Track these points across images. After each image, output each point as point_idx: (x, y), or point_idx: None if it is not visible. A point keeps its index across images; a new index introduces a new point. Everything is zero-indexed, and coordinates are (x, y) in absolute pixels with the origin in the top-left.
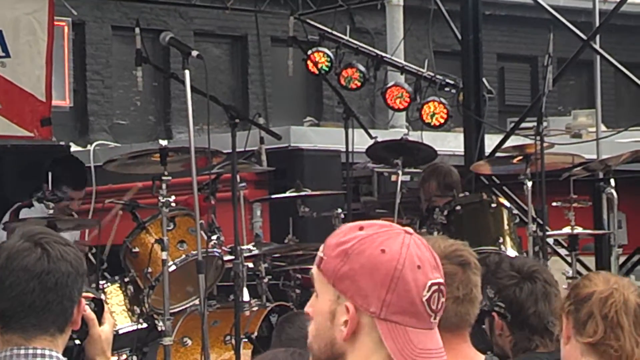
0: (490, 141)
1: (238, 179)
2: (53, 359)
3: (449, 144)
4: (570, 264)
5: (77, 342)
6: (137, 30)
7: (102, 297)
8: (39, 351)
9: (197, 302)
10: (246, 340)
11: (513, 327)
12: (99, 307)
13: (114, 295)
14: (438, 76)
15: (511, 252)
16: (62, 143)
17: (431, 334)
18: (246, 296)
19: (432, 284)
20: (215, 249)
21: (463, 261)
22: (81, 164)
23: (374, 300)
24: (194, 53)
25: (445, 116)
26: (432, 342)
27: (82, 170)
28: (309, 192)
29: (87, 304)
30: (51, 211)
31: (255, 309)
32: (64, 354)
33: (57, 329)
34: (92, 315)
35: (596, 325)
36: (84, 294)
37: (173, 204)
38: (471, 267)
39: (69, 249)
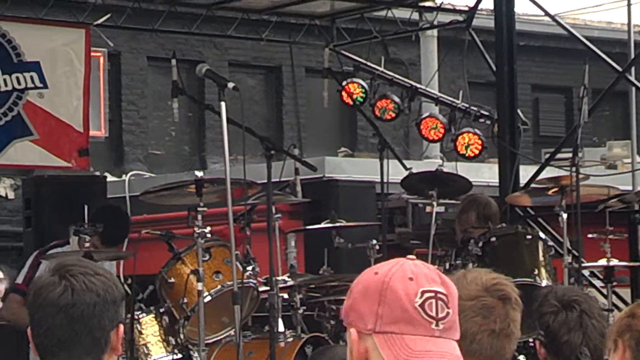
0: (525, 172)
1: (273, 210)
2: None
3: (484, 175)
4: (605, 296)
5: None
6: (174, 61)
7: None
8: None
9: (232, 332)
10: None
11: (550, 355)
12: None
13: (150, 326)
14: (472, 107)
15: (546, 284)
16: (97, 173)
17: (434, 341)
18: (281, 327)
19: (425, 291)
20: (250, 280)
21: (503, 295)
22: (129, 219)
23: (369, 317)
24: (230, 85)
25: (479, 147)
26: (436, 346)
27: (129, 224)
28: (344, 223)
29: None
30: (87, 244)
31: (290, 340)
32: None
33: (94, 357)
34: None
35: None
36: None
37: (208, 235)
38: (511, 303)
39: (97, 279)
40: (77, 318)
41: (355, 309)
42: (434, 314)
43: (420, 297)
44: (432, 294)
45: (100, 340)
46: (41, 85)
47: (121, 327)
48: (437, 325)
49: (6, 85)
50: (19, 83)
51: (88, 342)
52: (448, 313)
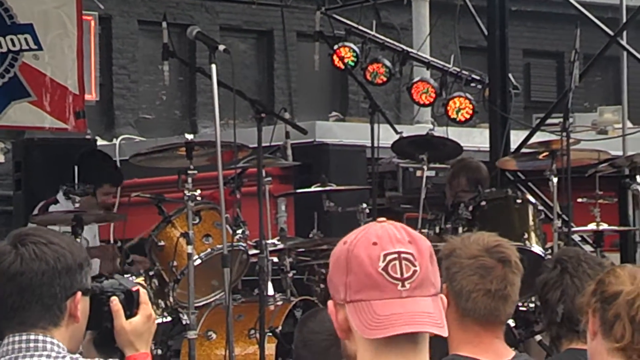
0: (516, 137)
1: (263, 174)
2: (47, 343)
3: (475, 139)
4: None
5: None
6: (164, 24)
7: (141, 288)
8: (32, 336)
9: (221, 295)
10: (270, 334)
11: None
12: (128, 299)
13: None
14: (464, 72)
15: (536, 248)
16: (88, 137)
17: (402, 302)
18: (271, 290)
19: (387, 254)
20: (240, 243)
21: (503, 257)
22: (113, 160)
23: (341, 288)
24: (221, 47)
25: (471, 112)
26: (403, 307)
27: (118, 166)
28: (334, 187)
29: (116, 296)
30: (77, 204)
31: (279, 303)
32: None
33: (49, 324)
34: (117, 307)
35: (623, 329)
36: (114, 285)
37: (199, 198)
38: (511, 265)
39: (49, 247)
40: (25, 286)
41: (331, 280)
42: (398, 275)
43: (383, 261)
44: (395, 255)
45: (51, 307)
46: (36, 47)
47: (79, 294)
48: (403, 285)
49: (1, 47)
50: (13, 45)
51: (38, 310)
52: (415, 271)
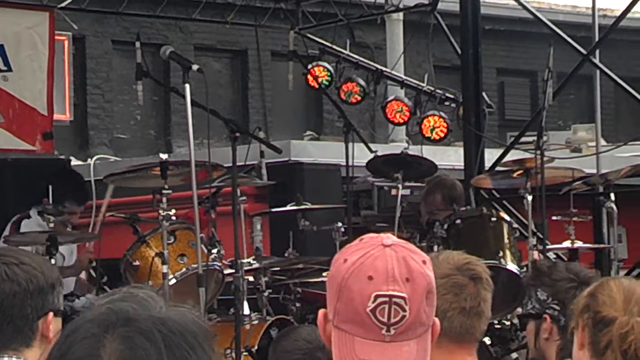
0: (491, 155)
1: (238, 193)
2: None
3: (449, 158)
4: None
5: None
6: (138, 44)
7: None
8: (5, 358)
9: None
10: (246, 353)
11: (564, 331)
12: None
13: None
14: (438, 90)
15: (511, 266)
16: (62, 157)
17: (383, 347)
18: (246, 310)
19: (379, 296)
20: (215, 263)
21: (474, 275)
22: (82, 180)
23: (331, 309)
24: (195, 67)
25: (445, 130)
26: (382, 355)
27: (84, 186)
28: (309, 206)
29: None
30: (52, 224)
31: (255, 322)
32: None
33: (21, 345)
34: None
35: (615, 359)
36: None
37: (173, 218)
38: (482, 282)
39: (20, 268)
40: None
41: (327, 290)
42: (385, 319)
43: (373, 302)
44: (386, 299)
45: (23, 329)
46: (5, 68)
47: (50, 315)
48: (388, 330)
49: None
50: None
51: (10, 331)
52: (404, 316)
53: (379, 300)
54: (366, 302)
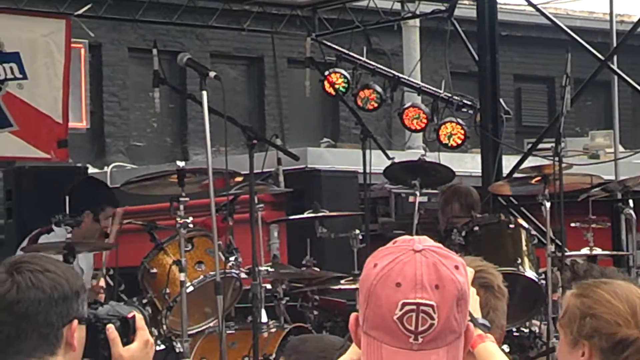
0: (508, 162)
1: (256, 200)
2: None
3: (466, 164)
4: None
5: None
6: (155, 51)
7: (137, 314)
8: None
9: (215, 323)
10: None
11: None
12: (124, 325)
13: None
14: (455, 97)
15: (529, 273)
16: (79, 165)
17: (411, 355)
18: (264, 317)
19: (406, 304)
20: (233, 270)
21: (485, 283)
22: (106, 184)
23: (361, 313)
24: (212, 74)
25: (462, 137)
26: None
27: (111, 189)
28: (327, 213)
29: (112, 323)
30: (69, 235)
31: (273, 330)
32: None
33: (46, 353)
34: (113, 335)
35: None
36: (111, 312)
37: (191, 225)
38: (493, 290)
39: (45, 275)
40: (22, 315)
41: (359, 295)
42: (412, 327)
43: (401, 310)
44: (414, 307)
45: (48, 336)
46: (21, 76)
47: (75, 323)
48: (415, 339)
49: None
50: None
51: (35, 338)
52: (432, 325)
53: (407, 308)
54: (393, 309)
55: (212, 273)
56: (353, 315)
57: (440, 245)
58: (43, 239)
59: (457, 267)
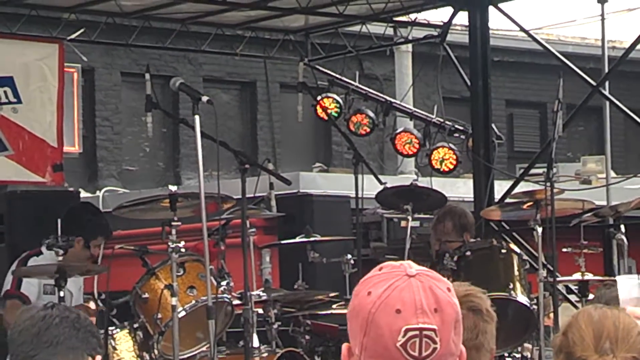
0: (500, 187)
1: (248, 225)
2: None
3: (459, 189)
4: None
5: None
6: (147, 76)
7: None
8: None
9: (206, 348)
10: None
11: None
12: None
13: (124, 341)
14: (447, 122)
15: (521, 298)
16: (71, 189)
17: None
18: (256, 342)
19: (409, 329)
20: (225, 295)
21: (473, 307)
22: (102, 213)
23: (356, 343)
24: (204, 98)
25: (454, 162)
26: None
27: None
28: (319, 238)
29: None
30: (60, 258)
31: (265, 355)
32: None
33: None
34: None
35: None
36: None
37: (183, 250)
38: (482, 314)
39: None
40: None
41: (349, 324)
42: (416, 353)
43: (404, 336)
44: (417, 333)
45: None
46: (15, 100)
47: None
48: None
49: None
50: None
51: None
52: (435, 349)
53: (410, 334)
54: (396, 337)
55: (204, 298)
56: (345, 346)
57: (428, 269)
58: (32, 262)
59: (449, 290)
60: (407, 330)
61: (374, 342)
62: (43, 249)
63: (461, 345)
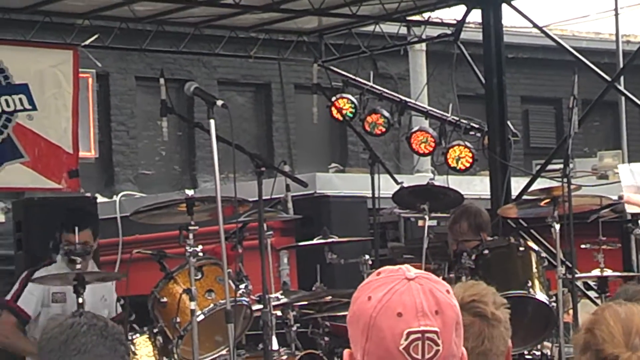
0: (517, 184)
1: (265, 227)
2: None
3: (475, 187)
4: None
5: None
6: (162, 80)
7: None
8: None
9: (226, 351)
10: None
11: None
12: None
13: (143, 346)
14: (462, 120)
15: (540, 296)
16: (88, 194)
17: None
18: (275, 345)
19: (411, 332)
20: (243, 298)
21: (479, 312)
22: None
23: (358, 349)
24: (219, 102)
25: (470, 160)
26: None
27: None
28: (336, 239)
29: None
30: (79, 265)
31: (284, 357)
32: None
33: None
34: None
35: None
36: None
37: (200, 254)
38: (487, 319)
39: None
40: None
41: (350, 330)
42: (419, 356)
43: (406, 339)
44: (419, 335)
45: None
46: (30, 107)
47: None
48: None
49: None
50: (7, 105)
51: None
52: (437, 351)
53: (412, 337)
54: (398, 340)
55: (222, 301)
56: (346, 352)
57: (426, 272)
58: (42, 272)
59: (448, 292)
60: (409, 333)
61: (377, 346)
62: (57, 257)
63: (462, 346)
